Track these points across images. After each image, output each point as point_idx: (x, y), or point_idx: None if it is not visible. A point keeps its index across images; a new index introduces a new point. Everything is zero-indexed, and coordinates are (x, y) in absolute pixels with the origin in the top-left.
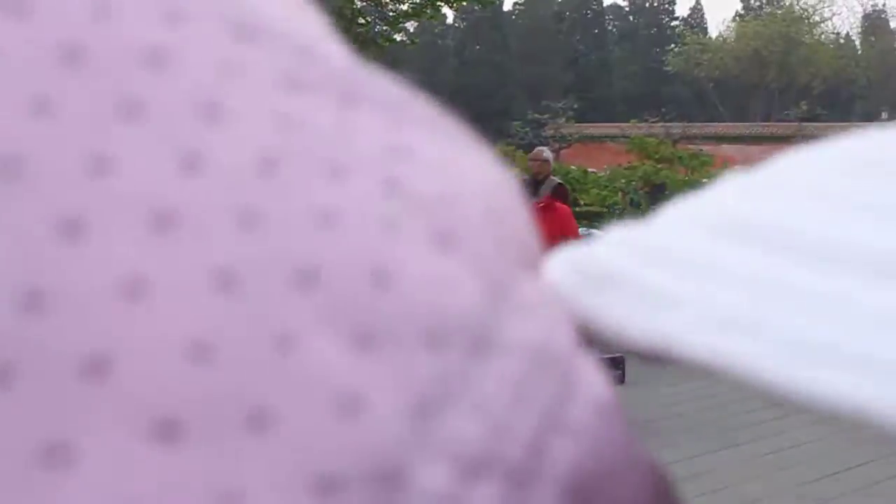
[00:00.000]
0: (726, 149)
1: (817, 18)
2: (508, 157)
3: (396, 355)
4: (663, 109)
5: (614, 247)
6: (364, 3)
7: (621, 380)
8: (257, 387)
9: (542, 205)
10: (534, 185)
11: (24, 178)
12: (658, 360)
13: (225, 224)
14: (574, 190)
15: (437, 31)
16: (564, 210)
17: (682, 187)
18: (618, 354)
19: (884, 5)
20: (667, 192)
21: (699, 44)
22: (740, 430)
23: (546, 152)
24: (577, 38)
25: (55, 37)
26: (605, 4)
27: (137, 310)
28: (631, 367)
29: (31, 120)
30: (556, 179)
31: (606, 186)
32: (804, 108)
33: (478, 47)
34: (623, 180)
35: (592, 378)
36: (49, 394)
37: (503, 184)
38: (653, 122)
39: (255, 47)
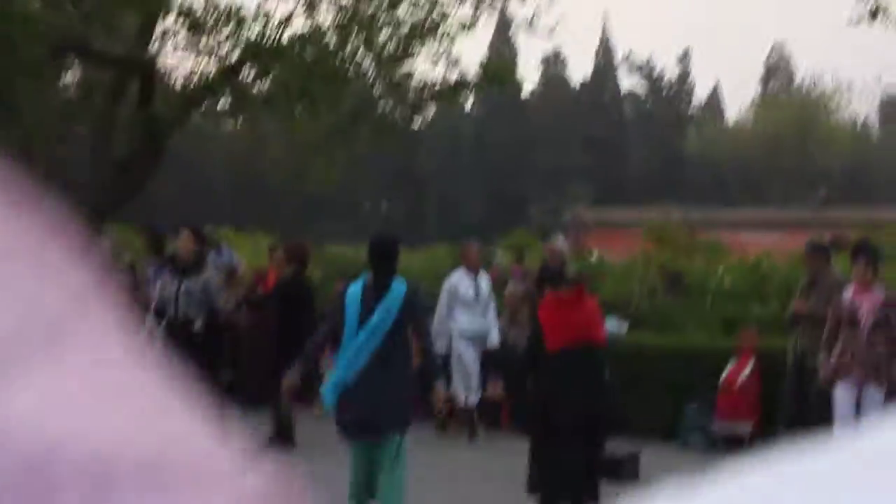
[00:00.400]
0: (745, 234)
1: (835, 104)
2: (525, 245)
3: None
4: (681, 194)
5: None
6: (383, 90)
7: (636, 475)
8: None
9: (570, 297)
10: (550, 274)
11: None
12: None
13: None
14: (591, 278)
15: (455, 117)
16: (592, 304)
17: (700, 277)
18: (636, 451)
19: None
20: (684, 282)
21: (717, 128)
22: None
23: (560, 242)
24: (596, 122)
25: None
26: (623, 89)
27: None
28: (645, 463)
29: None
30: (573, 270)
31: (623, 275)
32: (822, 192)
33: (496, 132)
34: (639, 269)
35: None
36: None
37: None
38: (671, 207)
39: None
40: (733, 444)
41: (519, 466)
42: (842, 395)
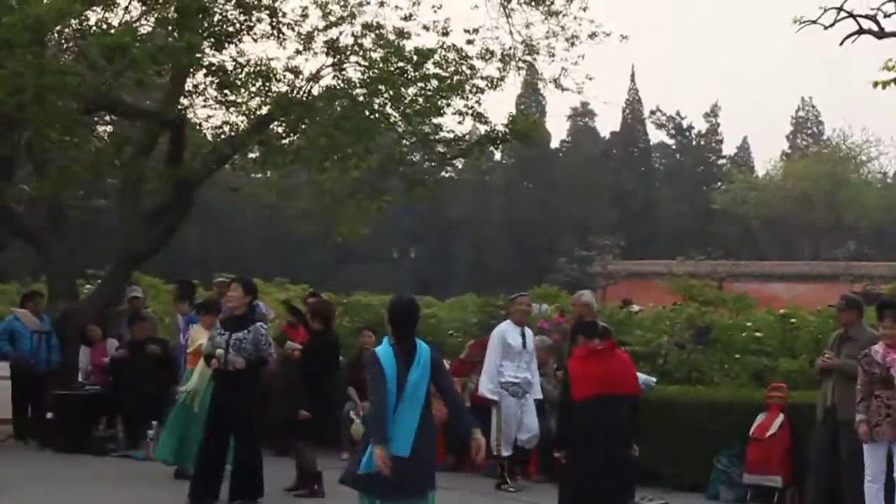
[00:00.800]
0: (773, 287)
1: (864, 158)
2: (551, 297)
3: None
4: (709, 248)
5: None
6: (411, 144)
7: None
8: None
9: (602, 348)
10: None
11: None
12: None
13: None
14: (618, 332)
15: (484, 167)
16: (624, 356)
17: (728, 330)
18: (665, 501)
19: None
20: (712, 335)
21: (746, 182)
22: None
23: (586, 296)
24: (624, 175)
25: None
26: (651, 142)
27: None
28: None
29: None
30: (602, 324)
31: (651, 328)
32: (852, 247)
33: (525, 183)
34: (668, 322)
35: None
36: None
37: None
38: (699, 260)
39: None
40: (763, 497)
41: None
42: (875, 451)
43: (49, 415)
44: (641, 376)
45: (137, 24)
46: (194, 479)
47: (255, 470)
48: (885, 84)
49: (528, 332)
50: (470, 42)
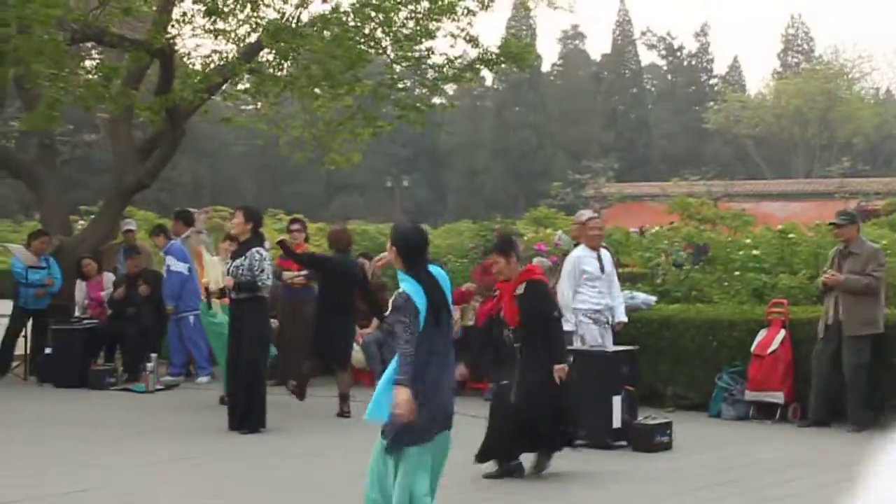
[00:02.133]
0: (768, 206)
1: (857, 74)
2: (548, 219)
3: None
4: (703, 168)
5: None
6: (403, 69)
7: (669, 445)
8: None
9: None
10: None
11: None
12: None
13: None
14: (617, 252)
15: (476, 93)
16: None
17: (726, 248)
18: (667, 421)
19: None
20: (710, 253)
21: (738, 101)
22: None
23: (587, 214)
24: (616, 98)
25: None
26: (643, 64)
27: None
28: (677, 432)
29: None
30: (602, 243)
31: (649, 248)
32: (846, 163)
33: (517, 108)
34: (666, 241)
35: None
36: None
37: None
38: (694, 181)
39: None
40: (765, 414)
41: None
42: None
43: (47, 350)
44: (640, 295)
45: None
46: (230, 411)
47: (259, 400)
48: None
49: (606, 254)
50: None
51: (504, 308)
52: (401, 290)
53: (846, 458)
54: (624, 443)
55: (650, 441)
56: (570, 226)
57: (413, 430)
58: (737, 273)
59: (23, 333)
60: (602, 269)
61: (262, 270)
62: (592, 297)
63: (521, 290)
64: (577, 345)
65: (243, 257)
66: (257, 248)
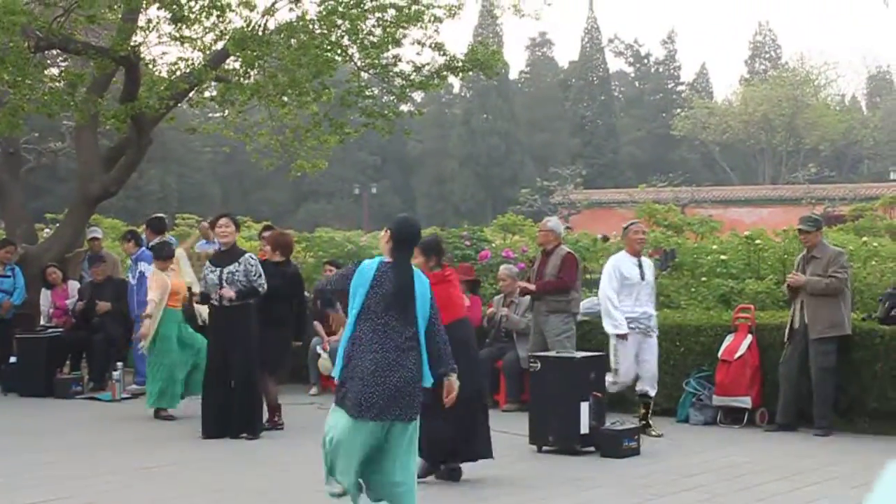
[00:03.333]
0: (735, 212)
1: (823, 81)
2: (516, 226)
3: None
4: (671, 174)
5: None
6: (370, 76)
7: (637, 451)
8: None
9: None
10: (544, 254)
11: None
12: None
13: None
14: (584, 258)
15: (444, 100)
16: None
17: (693, 253)
18: (634, 426)
19: (888, 67)
20: (677, 259)
21: (706, 108)
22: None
23: (552, 221)
24: (584, 104)
25: None
26: (610, 71)
27: None
28: (646, 439)
29: None
30: (566, 248)
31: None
32: (812, 169)
33: (485, 116)
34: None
35: None
36: None
37: None
38: (661, 187)
39: None
40: (732, 419)
41: None
42: None
43: (12, 359)
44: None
45: None
46: (205, 418)
47: (257, 404)
48: None
49: (647, 262)
50: None
51: None
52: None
53: (813, 462)
54: (592, 448)
55: (618, 446)
56: (536, 232)
57: (346, 396)
58: (704, 279)
59: None
60: (642, 276)
61: (260, 275)
62: (627, 305)
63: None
64: (611, 355)
65: (236, 263)
66: (250, 254)
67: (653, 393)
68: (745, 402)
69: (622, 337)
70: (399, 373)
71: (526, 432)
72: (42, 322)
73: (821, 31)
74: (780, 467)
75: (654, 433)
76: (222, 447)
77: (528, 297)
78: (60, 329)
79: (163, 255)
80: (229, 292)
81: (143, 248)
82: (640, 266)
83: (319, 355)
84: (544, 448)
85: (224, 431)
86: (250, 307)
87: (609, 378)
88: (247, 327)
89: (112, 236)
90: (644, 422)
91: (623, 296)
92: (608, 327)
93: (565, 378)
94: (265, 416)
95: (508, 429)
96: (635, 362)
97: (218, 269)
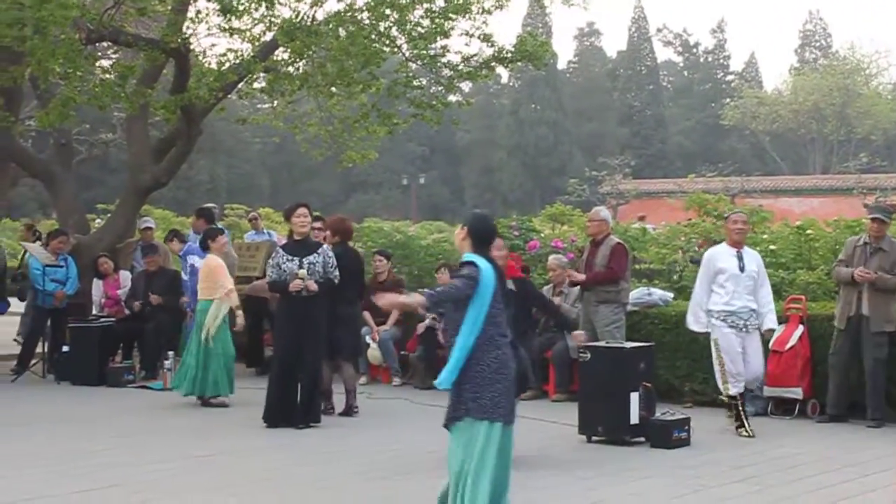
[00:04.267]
0: (786, 202)
1: (874, 70)
2: (565, 216)
3: None
4: (720, 164)
5: None
6: (419, 67)
7: (687, 441)
8: None
9: None
10: (593, 244)
11: None
12: None
13: None
14: (633, 248)
15: (492, 90)
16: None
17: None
18: (685, 417)
19: None
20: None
21: (755, 97)
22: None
23: (603, 212)
24: (632, 94)
25: None
26: (659, 60)
27: None
28: (696, 428)
29: None
30: (615, 238)
31: (665, 245)
32: (864, 159)
33: (533, 106)
34: (682, 237)
35: None
36: None
37: None
38: (710, 177)
39: None
40: (783, 409)
41: None
42: None
43: (65, 348)
44: (657, 292)
45: None
46: (269, 406)
47: (318, 395)
48: None
49: (750, 253)
50: None
51: None
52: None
53: (865, 454)
54: (642, 439)
55: (668, 437)
56: (585, 223)
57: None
58: None
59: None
60: (742, 269)
61: (335, 267)
62: (723, 298)
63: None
64: (713, 351)
65: (315, 254)
66: (327, 246)
67: (750, 388)
68: (797, 392)
69: (716, 335)
70: (511, 372)
71: (575, 422)
72: (94, 311)
73: (872, 18)
74: (831, 458)
75: (745, 433)
76: (273, 436)
77: (577, 288)
78: (112, 318)
79: (211, 235)
80: (314, 285)
81: (190, 243)
82: (740, 258)
83: (368, 345)
84: (594, 438)
85: (288, 421)
86: (325, 301)
87: (719, 382)
88: (320, 320)
89: (163, 226)
90: (737, 422)
91: (719, 288)
92: (690, 325)
93: (615, 368)
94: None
95: (558, 419)
96: (742, 359)
97: (296, 258)
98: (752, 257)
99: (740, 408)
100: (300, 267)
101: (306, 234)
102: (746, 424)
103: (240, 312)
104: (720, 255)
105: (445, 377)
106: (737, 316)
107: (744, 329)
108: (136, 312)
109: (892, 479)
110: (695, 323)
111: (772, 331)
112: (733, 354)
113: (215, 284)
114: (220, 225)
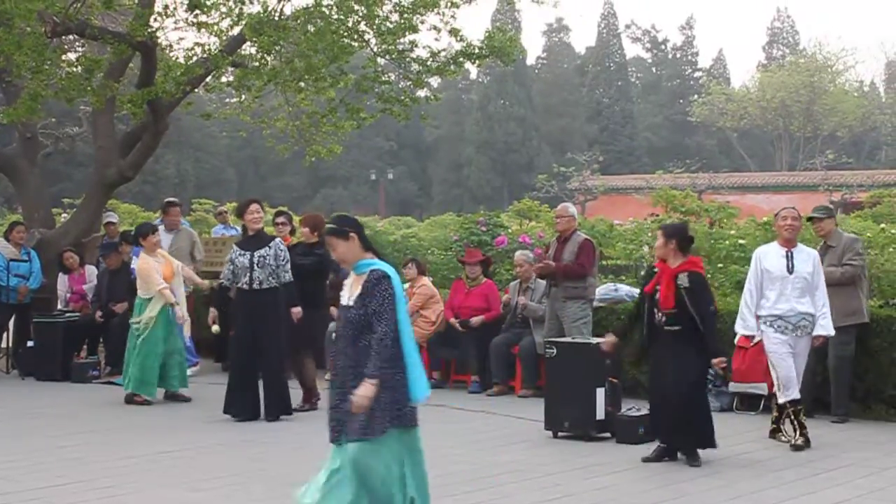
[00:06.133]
0: (753, 198)
1: (841, 67)
2: (533, 212)
3: None
4: (688, 160)
5: None
6: (387, 62)
7: (652, 437)
8: None
9: None
10: (559, 240)
11: None
12: None
13: None
14: (600, 244)
15: (460, 86)
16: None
17: (710, 239)
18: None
19: None
20: (694, 245)
21: (723, 94)
22: None
23: (570, 208)
24: (601, 90)
25: None
26: (627, 57)
27: None
28: None
29: None
30: (583, 235)
31: (632, 240)
32: (830, 156)
33: (502, 102)
34: (649, 233)
35: None
36: None
37: None
38: (678, 174)
39: None
40: (748, 405)
41: None
42: None
43: (30, 343)
44: (624, 288)
45: None
46: (227, 397)
47: (286, 387)
48: None
49: (803, 252)
50: None
51: (661, 291)
52: (380, 268)
53: (829, 449)
54: (608, 434)
55: (634, 433)
56: (553, 219)
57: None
58: (720, 265)
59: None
60: (790, 269)
61: (287, 262)
62: (769, 301)
63: (683, 279)
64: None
65: (267, 247)
66: (279, 239)
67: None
68: (762, 388)
69: (765, 340)
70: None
71: (541, 418)
72: (59, 306)
73: (839, 17)
74: (797, 454)
75: (783, 439)
76: (242, 431)
77: (543, 283)
78: (77, 313)
79: (142, 232)
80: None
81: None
82: (790, 258)
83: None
84: (560, 434)
85: (254, 414)
86: (279, 291)
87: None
88: (276, 311)
89: (128, 221)
90: (774, 425)
91: (767, 291)
92: (738, 329)
93: (581, 364)
94: (291, 398)
95: (524, 414)
96: (788, 360)
97: (248, 252)
98: (806, 257)
99: (792, 416)
100: (250, 261)
101: (258, 229)
102: (792, 433)
103: (184, 312)
104: (767, 256)
105: (416, 391)
106: (784, 320)
107: (794, 333)
108: (101, 310)
109: (857, 474)
110: (742, 327)
111: (821, 337)
112: (782, 360)
113: (147, 284)
114: (184, 221)
